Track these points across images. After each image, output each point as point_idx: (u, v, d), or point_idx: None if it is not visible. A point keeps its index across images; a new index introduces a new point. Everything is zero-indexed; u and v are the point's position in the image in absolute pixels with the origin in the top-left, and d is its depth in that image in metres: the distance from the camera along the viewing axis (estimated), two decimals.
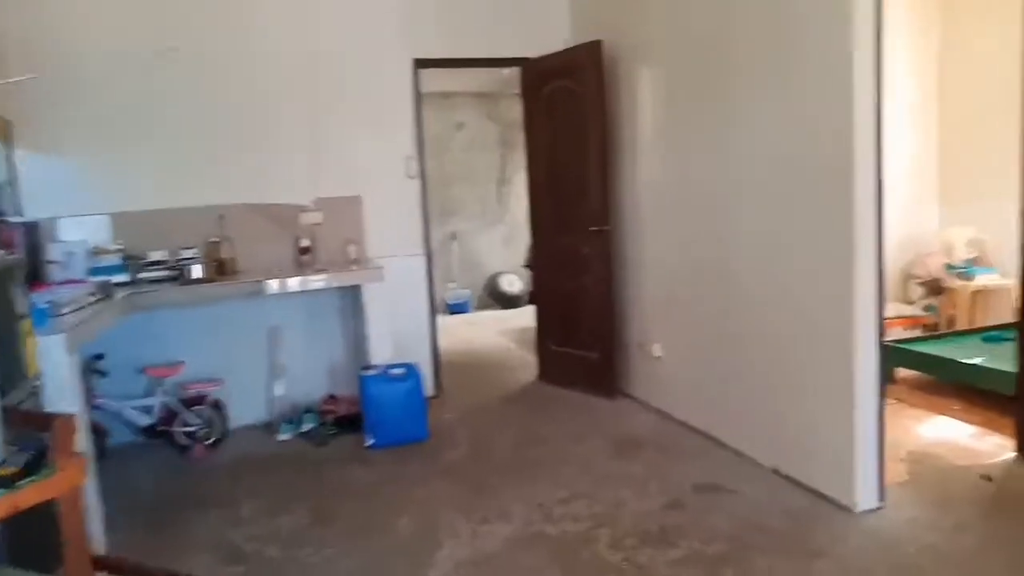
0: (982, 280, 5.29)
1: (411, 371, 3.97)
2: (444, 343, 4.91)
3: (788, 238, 3.07)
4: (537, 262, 5.01)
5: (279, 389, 4.30)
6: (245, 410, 4.28)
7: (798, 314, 3.05)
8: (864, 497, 2.84)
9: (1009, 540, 2.56)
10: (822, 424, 2.97)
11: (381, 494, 3.28)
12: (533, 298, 5.26)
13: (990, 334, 4.64)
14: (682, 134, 3.79)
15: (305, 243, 4.34)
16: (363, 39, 4.46)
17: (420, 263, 4.69)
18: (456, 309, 7.93)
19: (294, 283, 3.91)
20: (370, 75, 4.49)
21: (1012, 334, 4.54)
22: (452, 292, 8.10)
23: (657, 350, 4.12)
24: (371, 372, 3.93)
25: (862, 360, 2.80)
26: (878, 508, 2.84)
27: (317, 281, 3.96)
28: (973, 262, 5.45)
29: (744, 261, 3.36)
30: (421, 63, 4.61)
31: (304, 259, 4.31)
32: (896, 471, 3.14)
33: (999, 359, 4.04)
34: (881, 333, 2.84)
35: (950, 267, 5.56)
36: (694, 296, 3.77)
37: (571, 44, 4.61)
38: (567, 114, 4.53)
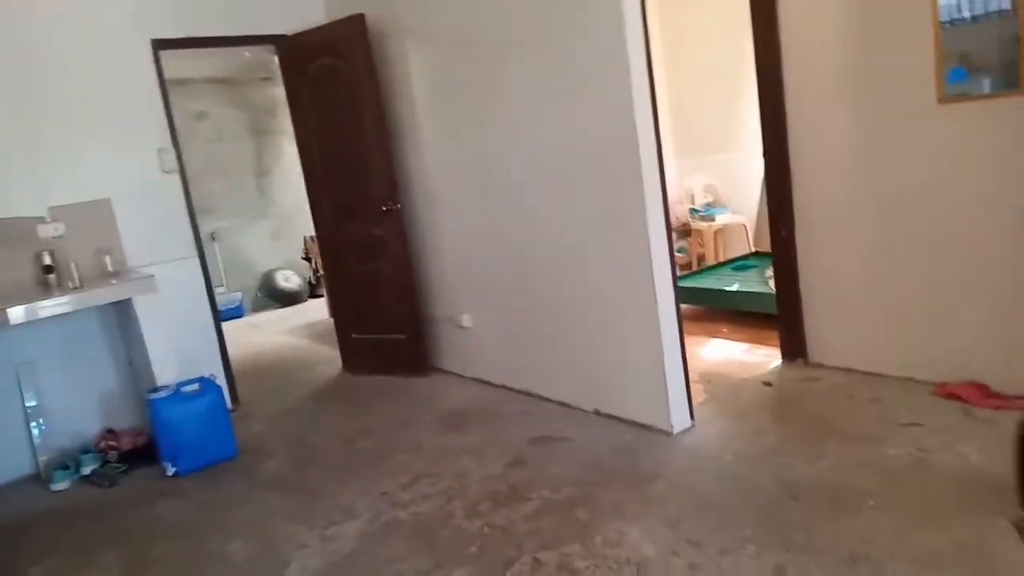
0: (721, 220, 6.06)
1: (207, 385, 3.58)
2: (230, 352, 4.50)
3: (584, 199, 3.24)
4: (326, 251, 4.77)
5: (37, 433, 3.64)
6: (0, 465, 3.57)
7: (600, 266, 3.25)
8: (678, 420, 3.13)
9: (799, 434, 2.98)
10: (634, 362, 3.21)
11: (201, 524, 2.94)
12: (320, 289, 5.01)
13: (737, 264, 5.35)
14: (463, 106, 3.81)
15: (47, 261, 3.68)
16: (87, 20, 3.84)
17: (193, 266, 4.22)
18: (230, 314, 7.29)
19: (42, 308, 3.30)
20: (100, 60, 3.88)
21: (754, 262, 5.31)
22: (222, 296, 7.44)
23: (466, 320, 4.15)
24: (160, 394, 3.47)
25: (662, 298, 3.06)
26: (691, 428, 3.16)
27: (66, 304, 3.37)
28: (711, 205, 6.22)
29: (544, 224, 3.49)
30: (161, 44, 4.10)
31: (49, 279, 3.66)
32: (696, 393, 3.50)
33: (750, 284, 4.69)
34: (674, 273, 3.14)
35: (694, 211, 6.29)
36: (498, 263, 3.85)
37: (329, 19, 4.39)
38: (337, 94, 4.33)
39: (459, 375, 4.30)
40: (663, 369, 3.09)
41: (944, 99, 2.91)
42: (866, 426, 2.91)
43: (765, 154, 3.63)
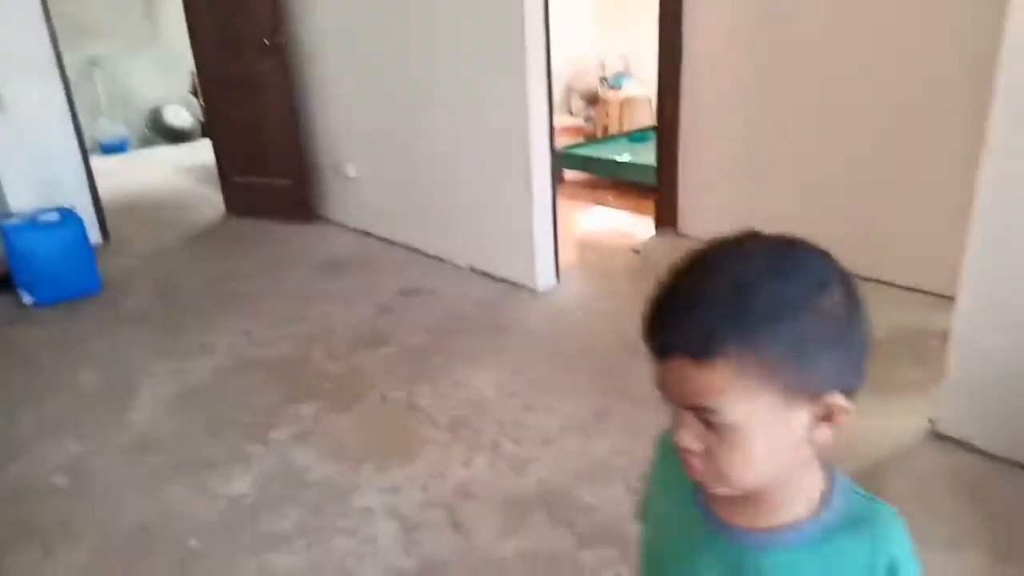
0: (628, 90, 6.03)
1: (67, 216, 3.41)
2: (107, 187, 4.27)
3: (468, 54, 3.14)
4: (207, 86, 4.48)
5: None
6: None
7: (482, 126, 3.21)
8: (543, 279, 3.24)
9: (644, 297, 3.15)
10: (506, 221, 3.25)
11: (53, 353, 2.90)
12: (208, 128, 4.74)
13: (635, 135, 5.38)
14: None
15: None
16: None
17: (54, 88, 3.88)
18: (112, 149, 6.85)
19: None
20: None
21: (652, 135, 5.35)
22: (104, 129, 6.95)
23: (352, 170, 4.06)
24: (14, 220, 3.30)
25: (537, 162, 3.07)
26: (555, 287, 3.28)
27: None
28: (621, 74, 6.15)
29: (430, 79, 3.38)
30: None
31: None
32: (567, 256, 3.61)
33: (642, 155, 4.75)
34: (551, 139, 3.13)
35: (603, 80, 6.21)
36: (384, 113, 3.73)
37: None
38: None
39: (343, 225, 4.26)
40: (531, 231, 3.15)
41: None
42: None
43: (660, 26, 3.58)
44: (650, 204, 4.18)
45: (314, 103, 4.17)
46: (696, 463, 0.63)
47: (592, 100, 6.37)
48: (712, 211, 3.67)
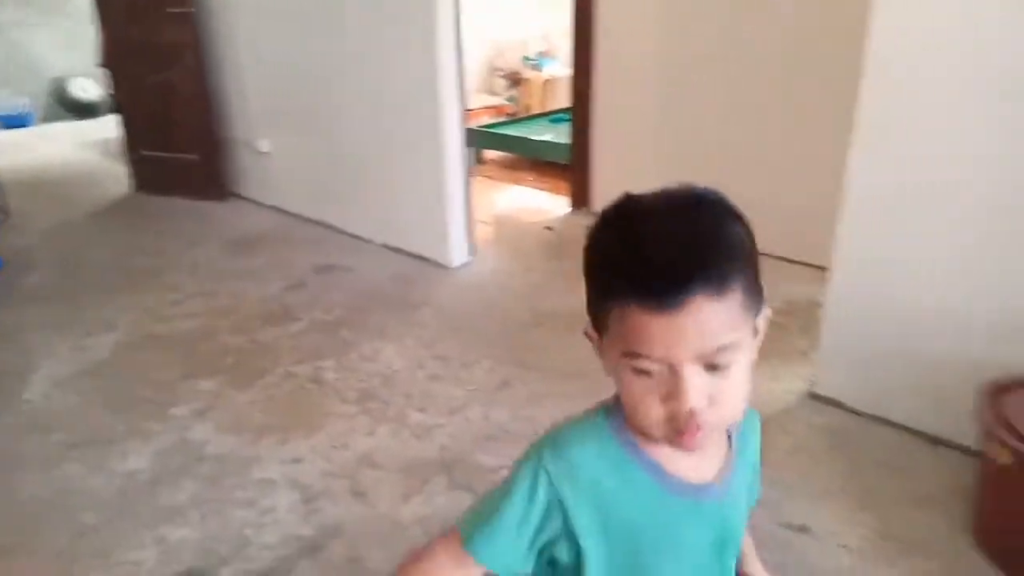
0: (550, 71, 6.08)
1: None
2: (8, 162, 4.07)
3: (379, 32, 3.13)
4: (114, 57, 4.30)
5: None
6: None
7: (393, 102, 3.20)
8: (457, 255, 3.28)
9: (563, 271, 3.23)
10: (420, 199, 3.26)
11: None
12: (115, 101, 4.56)
13: (555, 116, 5.43)
14: None
15: None
16: None
17: None
18: (13, 122, 6.50)
19: None
20: None
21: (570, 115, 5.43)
22: (5, 101, 6.58)
23: (265, 145, 3.98)
24: None
25: (449, 141, 3.09)
26: (468, 263, 3.32)
27: None
28: (543, 54, 6.20)
29: (341, 53, 3.34)
30: None
31: None
32: (484, 233, 3.66)
33: (561, 135, 4.81)
34: (463, 118, 3.15)
35: (525, 59, 6.25)
36: (296, 88, 3.67)
37: None
38: None
39: (256, 202, 4.18)
40: (444, 208, 3.18)
41: None
42: None
43: (574, 6, 3.63)
44: (566, 183, 4.26)
45: (226, 76, 4.07)
46: (704, 418, 0.63)
47: (515, 80, 6.40)
48: (623, 188, 3.76)
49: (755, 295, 0.65)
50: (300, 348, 2.60)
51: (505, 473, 0.78)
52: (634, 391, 0.65)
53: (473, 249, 3.35)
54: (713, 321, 0.61)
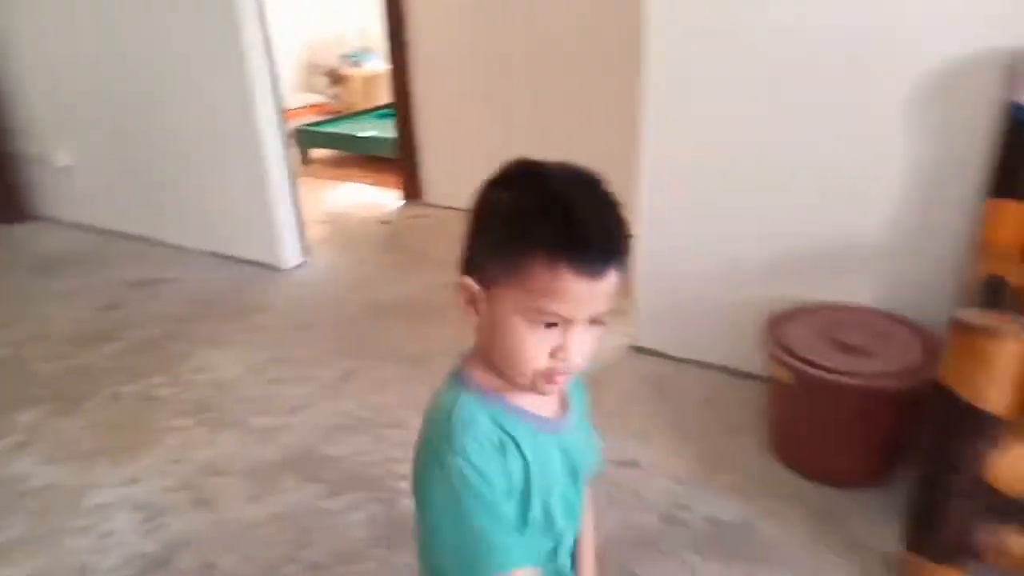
0: (370, 67, 6.06)
1: None
2: None
3: (181, 33, 3.00)
4: None
5: None
6: None
7: (206, 109, 3.09)
8: (290, 256, 3.22)
9: (400, 262, 3.28)
10: (247, 205, 3.16)
11: None
12: None
13: (380, 112, 5.43)
14: None
15: None
16: None
17: None
18: None
19: None
20: None
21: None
22: None
23: (63, 158, 3.66)
24: None
25: (269, 142, 3.03)
26: (303, 263, 3.27)
27: None
28: (362, 51, 6.16)
29: (143, 55, 3.15)
30: None
31: None
32: (317, 232, 3.62)
33: (387, 131, 4.82)
34: (282, 117, 3.09)
35: (344, 56, 6.18)
36: (94, 93, 3.40)
37: None
38: None
39: (60, 221, 3.83)
40: (272, 209, 3.11)
41: None
42: (456, 255, 3.30)
43: (385, 4, 3.66)
44: (396, 178, 4.29)
45: (13, 85, 3.69)
46: (574, 366, 0.71)
47: (336, 78, 6.31)
48: (452, 179, 3.86)
49: None
50: (125, 368, 2.46)
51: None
52: (525, 342, 0.70)
53: (307, 249, 3.30)
54: (612, 290, 0.70)
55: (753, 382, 2.15)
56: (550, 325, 0.69)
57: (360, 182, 4.54)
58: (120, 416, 2.21)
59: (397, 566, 1.63)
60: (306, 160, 4.96)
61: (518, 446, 0.74)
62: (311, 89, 6.40)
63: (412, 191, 4.03)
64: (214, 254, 3.36)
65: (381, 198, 4.20)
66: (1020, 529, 1.39)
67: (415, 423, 0.81)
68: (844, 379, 1.65)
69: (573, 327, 0.70)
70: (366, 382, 2.32)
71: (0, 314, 2.85)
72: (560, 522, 0.81)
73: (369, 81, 6.07)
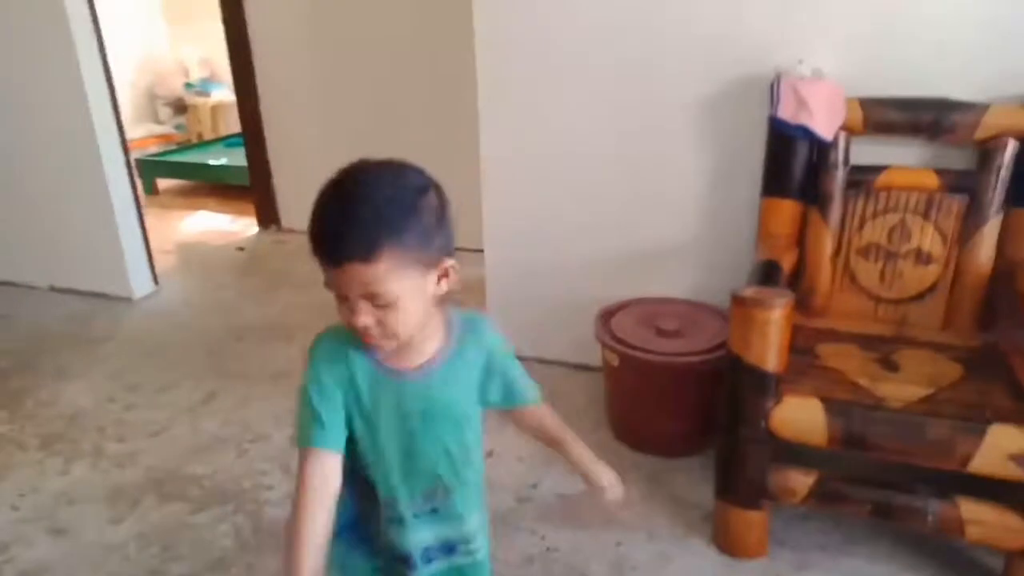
0: (217, 96, 5.96)
1: None
2: None
3: (16, 63, 2.90)
4: None
5: None
6: None
7: (44, 142, 2.99)
8: (139, 286, 3.15)
9: (257, 286, 3.29)
10: (90, 236, 3.07)
11: None
12: None
13: (229, 140, 5.37)
14: None
15: None
16: None
17: None
18: None
19: None
20: None
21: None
22: None
23: None
24: None
25: (114, 176, 2.98)
26: (154, 292, 3.21)
27: None
28: (207, 80, 6.05)
29: None
30: None
31: None
32: (167, 261, 3.55)
33: (238, 159, 4.78)
34: (126, 150, 3.05)
35: (189, 86, 6.05)
36: None
37: None
38: None
39: None
40: (119, 239, 3.04)
41: None
42: (315, 277, 3.20)
43: (225, 30, 3.69)
44: (250, 205, 4.28)
45: None
46: (373, 333, 0.89)
47: (180, 107, 6.15)
48: (309, 204, 3.90)
49: (425, 252, 0.90)
50: None
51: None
52: (338, 310, 0.91)
53: (156, 278, 3.24)
54: (365, 275, 0.84)
55: (592, 373, 2.39)
56: (342, 297, 0.89)
57: (214, 211, 4.47)
58: None
59: (266, 571, 1.70)
60: (153, 190, 4.81)
61: (352, 373, 0.97)
62: (155, 119, 6.19)
63: (268, 217, 4.03)
64: (55, 288, 3.22)
65: (237, 226, 4.17)
66: (800, 470, 1.67)
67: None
68: (659, 358, 1.92)
69: (351, 302, 0.88)
70: (229, 401, 2.35)
71: None
72: (391, 456, 1.00)
73: (217, 110, 5.97)
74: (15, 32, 2.84)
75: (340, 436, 0.97)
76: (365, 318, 0.88)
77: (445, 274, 0.94)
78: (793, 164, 1.90)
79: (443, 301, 0.98)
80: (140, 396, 2.40)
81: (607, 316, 2.13)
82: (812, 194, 1.90)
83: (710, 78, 2.06)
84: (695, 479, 1.97)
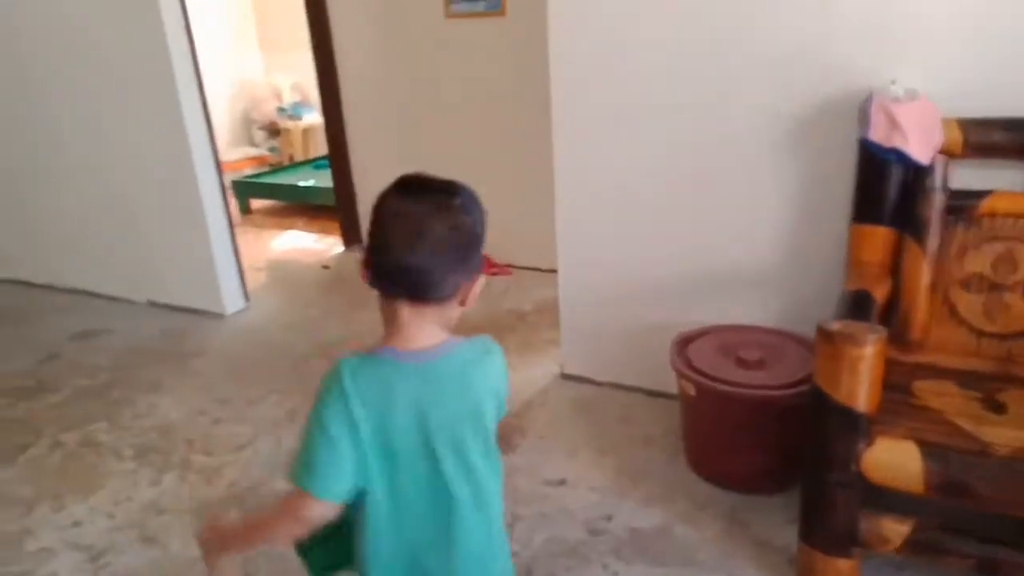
0: (308, 119, 6.21)
1: None
2: None
3: (115, 93, 3.10)
4: None
5: None
6: None
7: (145, 165, 3.17)
8: (231, 303, 3.29)
9: (340, 304, 3.38)
10: (186, 254, 3.24)
11: None
12: None
13: (318, 163, 5.58)
14: None
15: None
16: None
17: None
18: None
19: None
20: None
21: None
22: None
23: None
24: None
25: (209, 197, 3.13)
26: (244, 308, 3.34)
27: None
28: (299, 104, 6.31)
29: (77, 117, 3.24)
30: None
31: None
32: (258, 278, 3.71)
33: (325, 180, 4.96)
34: (219, 172, 3.20)
35: (281, 110, 6.32)
36: (24, 149, 3.46)
37: None
38: None
39: None
40: (212, 257, 3.19)
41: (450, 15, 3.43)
42: None
43: (315, 56, 3.84)
44: (336, 224, 4.42)
45: None
46: None
47: (274, 131, 6.44)
48: None
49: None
50: (65, 417, 2.49)
51: None
52: None
53: (247, 295, 3.38)
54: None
55: (667, 400, 2.33)
56: None
57: (302, 230, 4.64)
58: (61, 463, 2.25)
59: None
60: (247, 210, 5.04)
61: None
62: (250, 143, 6.50)
63: (351, 236, 4.15)
64: (153, 303, 3.41)
65: (323, 244, 4.32)
66: (895, 517, 1.56)
67: None
68: (739, 390, 1.84)
69: None
70: None
71: None
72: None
73: (307, 133, 6.22)
74: (118, 65, 3.03)
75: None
76: None
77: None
78: (886, 189, 1.79)
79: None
80: (228, 410, 2.49)
81: (684, 343, 2.07)
82: (907, 221, 1.79)
83: (795, 99, 1.98)
84: (777, 519, 1.87)
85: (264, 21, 6.28)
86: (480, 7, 3.35)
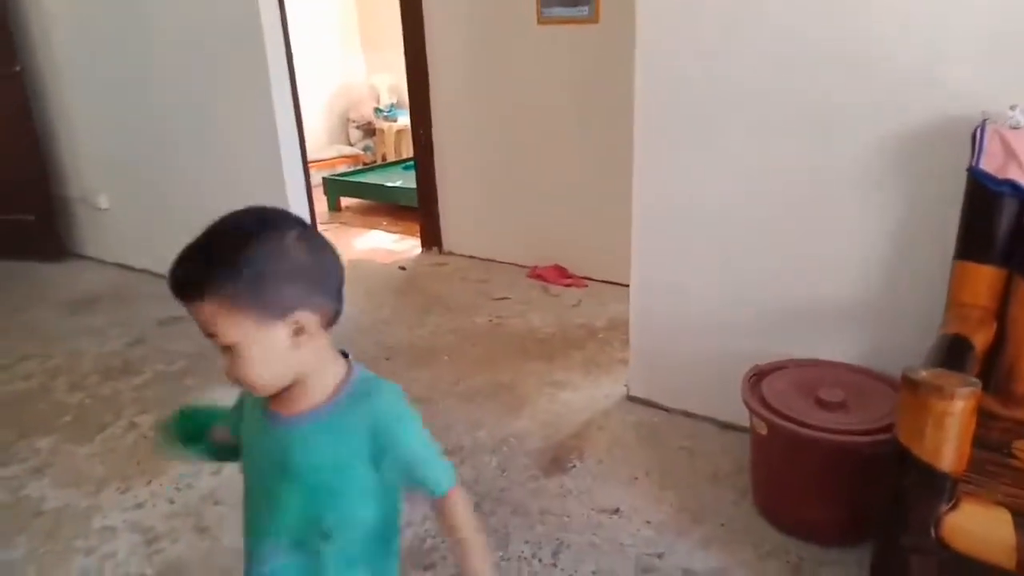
0: (403, 121, 6.31)
1: None
2: None
3: (213, 87, 3.24)
4: None
5: None
6: None
7: (233, 162, 3.32)
8: None
9: (410, 306, 3.40)
10: None
11: None
12: None
13: (408, 164, 5.65)
14: None
15: None
16: None
17: None
18: None
19: None
20: None
21: None
22: None
23: (103, 202, 3.91)
24: None
25: (294, 195, 3.23)
26: None
27: None
28: (395, 106, 6.43)
29: (179, 112, 3.42)
30: None
31: None
32: None
33: (412, 181, 5.02)
34: (307, 175, 3.29)
35: (378, 111, 6.46)
36: (134, 142, 3.66)
37: None
38: None
39: (97, 259, 4.07)
40: None
41: (542, 20, 3.38)
42: (467, 301, 3.41)
43: (407, 60, 3.89)
44: (419, 226, 4.45)
45: (59, 134, 3.98)
46: (227, 373, 0.89)
47: (370, 131, 6.59)
48: (469, 229, 4.01)
49: (258, 301, 0.85)
50: (143, 399, 2.60)
51: None
52: None
53: None
54: (199, 314, 0.86)
55: (737, 433, 2.19)
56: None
57: (386, 230, 4.71)
58: (133, 444, 2.34)
59: None
60: (336, 208, 5.17)
61: (241, 410, 1.03)
62: (347, 141, 6.68)
63: (431, 239, 4.17)
64: None
65: (402, 245, 4.36)
66: None
67: None
68: (814, 433, 1.69)
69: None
70: None
71: (36, 347, 3.03)
72: (255, 496, 1.01)
73: (400, 134, 6.32)
74: (219, 67, 3.17)
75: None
76: (222, 358, 0.88)
77: (300, 330, 0.88)
78: (997, 224, 1.61)
79: (323, 356, 0.95)
80: None
81: (758, 377, 1.93)
82: (1019, 261, 1.60)
83: (900, 122, 1.82)
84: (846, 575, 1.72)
85: (366, 19, 6.43)
86: (573, 13, 3.29)
